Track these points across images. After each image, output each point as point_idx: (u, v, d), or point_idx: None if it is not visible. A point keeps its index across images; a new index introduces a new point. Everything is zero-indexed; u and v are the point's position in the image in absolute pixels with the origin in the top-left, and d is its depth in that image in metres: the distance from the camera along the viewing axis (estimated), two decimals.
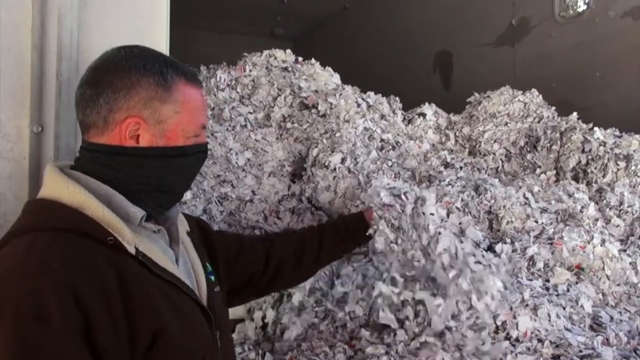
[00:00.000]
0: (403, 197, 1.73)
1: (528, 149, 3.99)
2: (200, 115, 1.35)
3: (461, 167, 3.69)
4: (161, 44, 2.03)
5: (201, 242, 1.56)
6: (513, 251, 2.81)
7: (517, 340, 2.35)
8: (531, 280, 2.66)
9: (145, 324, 1.13)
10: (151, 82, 1.28)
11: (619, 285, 2.87)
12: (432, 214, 1.70)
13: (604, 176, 3.54)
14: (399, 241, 1.73)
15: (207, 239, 1.61)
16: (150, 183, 1.28)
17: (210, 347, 1.30)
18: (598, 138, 3.69)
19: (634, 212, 3.26)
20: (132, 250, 1.18)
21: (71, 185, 1.20)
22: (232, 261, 1.68)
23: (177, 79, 1.32)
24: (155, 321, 1.15)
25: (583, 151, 3.70)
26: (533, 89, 4.37)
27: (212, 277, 1.47)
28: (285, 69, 3.90)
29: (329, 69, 4.05)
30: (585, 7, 5.24)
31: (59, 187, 1.21)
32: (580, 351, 2.29)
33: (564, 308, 2.56)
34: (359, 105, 3.67)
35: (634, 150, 3.55)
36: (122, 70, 1.27)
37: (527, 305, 2.45)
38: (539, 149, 3.91)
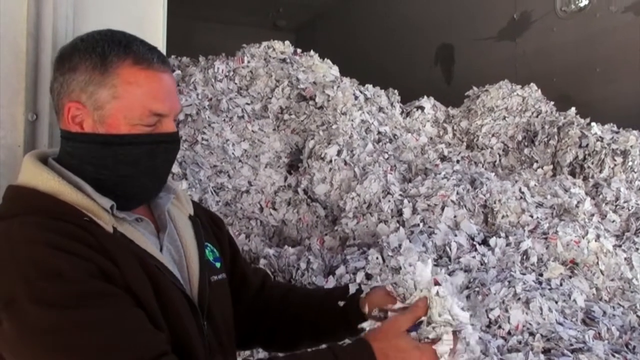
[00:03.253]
0: None
1: (525, 143, 3.99)
2: (151, 101, 1.21)
3: (458, 161, 3.69)
4: (158, 31, 2.01)
5: (211, 229, 1.48)
6: (507, 245, 2.82)
7: (508, 333, 2.36)
8: (524, 274, 2.66)
9: (131, 289, 1.12)
10: (88, 66, 1.21)
11: (613, 280, 2.88)
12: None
13: (600, 171, 3.55)
14: None
15: (218, 234, 1.50)
16: (102, 172, 1.23)
17: (191, 337, 1.21)
18: (595, 133, 3.69)
19: (630, 208, 3.27)
20: (110, 229, 1.18)
21: (45, 173, 1.21)
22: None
23: (121, 62, 1.21)
24: (136, 292, 1.13)
25: (580, 146, 3.70)
26: (532, 84, 4.37)
27: (218, 264, 1.40)
28: (284, 60, 3.89)
29: (328, 60, 4.04)
30: (586, 1, 5.22)
31: (34, 175, 1.21)
32: (571, 345, 2.30)
33: (557, 302, 2.56)
34: (356, 98, 3.67)
35: (631, 146, 3.55)
36: (67, 55, 1.24)
37: (519, 299, 2.46)
38: (536, 143, 3.91)
